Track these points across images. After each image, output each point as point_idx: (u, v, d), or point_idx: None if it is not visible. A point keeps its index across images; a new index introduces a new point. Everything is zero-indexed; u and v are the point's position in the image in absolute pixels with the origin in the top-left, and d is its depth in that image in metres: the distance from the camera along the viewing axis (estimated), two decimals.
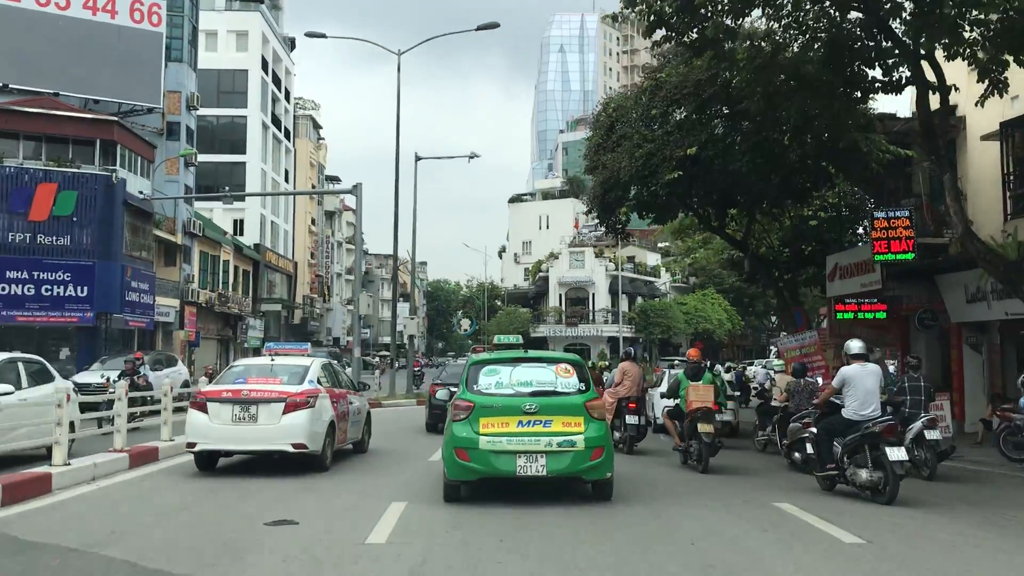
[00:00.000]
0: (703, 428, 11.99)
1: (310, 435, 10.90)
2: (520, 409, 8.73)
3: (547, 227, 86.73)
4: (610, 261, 65.31)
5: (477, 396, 8.97)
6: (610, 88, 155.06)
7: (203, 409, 10.91)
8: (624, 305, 64.62)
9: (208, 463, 11.36)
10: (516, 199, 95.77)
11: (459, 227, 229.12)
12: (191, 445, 11.02)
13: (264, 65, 57.15)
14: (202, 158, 55.22)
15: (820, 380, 17.03)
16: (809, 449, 11.03)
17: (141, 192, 32.90)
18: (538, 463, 8.59)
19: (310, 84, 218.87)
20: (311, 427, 10.92)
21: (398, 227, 29.90)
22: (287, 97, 64.18)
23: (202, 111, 54.29)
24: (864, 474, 9.44)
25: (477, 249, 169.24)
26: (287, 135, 63.38)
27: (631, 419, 14.12)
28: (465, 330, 75.07)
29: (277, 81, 61.26)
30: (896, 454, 9.23)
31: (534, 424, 8.69)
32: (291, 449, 10.79)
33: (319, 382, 11.67)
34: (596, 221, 19.51)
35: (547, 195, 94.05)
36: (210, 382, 14.09)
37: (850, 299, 19.49)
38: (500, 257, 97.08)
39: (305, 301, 66.50)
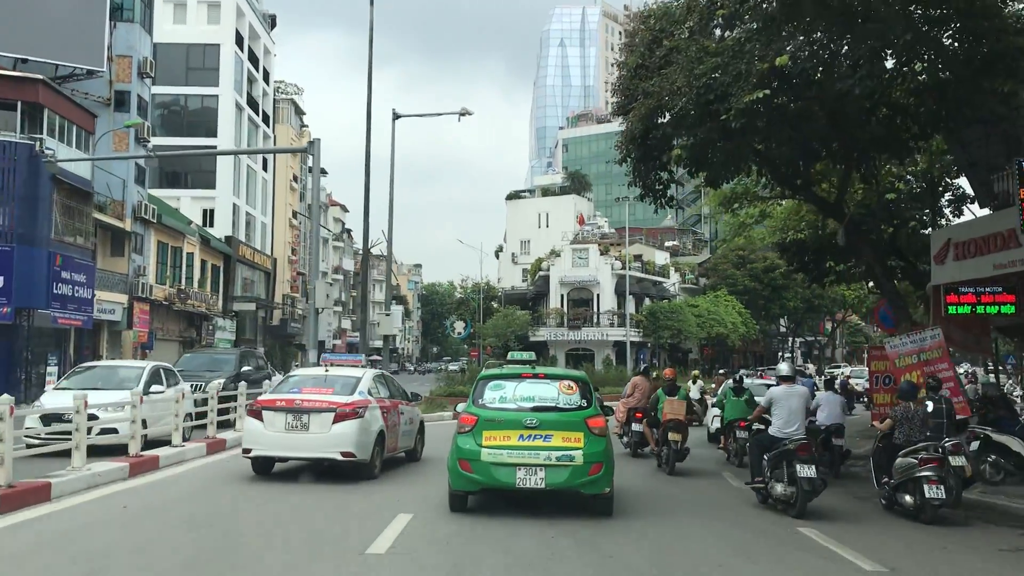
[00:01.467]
0: (672, 436, 13.52)
1: (358, 444, 11.15)
2: (521, 423, 9.01)
3: (547, 225, 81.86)
4: (616, 259, 60.23)
5: (481, 410, 9.27)
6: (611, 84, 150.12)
7: (258, 417, 11.32)
8: (631, 307, 59.58)
9: (264, 467, 11.76)
10: (514, 196, 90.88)
11: (456, 232, 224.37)
12: (247, 451, 11.44)
13: (239, 41, 51.97)
14: (170, 141, 50.27)
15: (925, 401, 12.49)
16: (927, 492, 9.77)
17: (43, 150, 27.39)
18: (537, 476, 8.84)
19: (309, 89, 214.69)
20: (360, 436, 11.19)
21: (369, 192, 24.73)
22: (266, 79, 59.01)
23: (169, 89, 49.40)
24: (780, 488, 9.98)
25: (472, 246, 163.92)
26: (266, 120, 58.20)
27: (636, 427, 15.65)
28: (459, 333, 69.75)
29: (255, 60, 56.10)
30: (805, 471, 9.66)
31: (534, 438, 8.94)
32: (340, 457, 11.09)
33: (370, 393, 11.96)
34: (630, 178, 14.22)
35: (547, 192, 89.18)
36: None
37: (966, 288, 14.44)
38: (497, 257, 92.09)
39: (285, 301, 61.33)
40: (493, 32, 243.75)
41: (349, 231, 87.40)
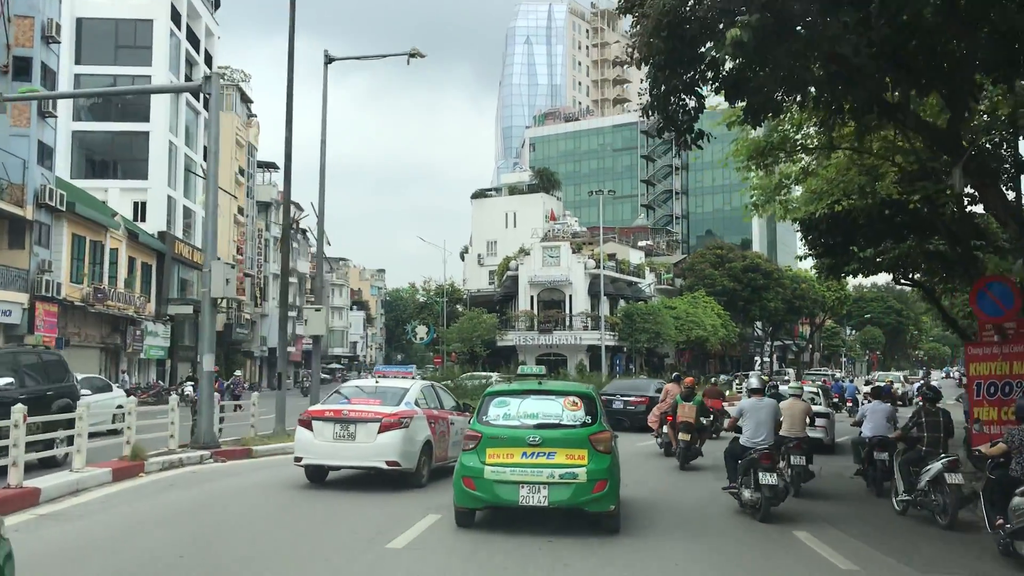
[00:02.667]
0: (682, 436, 15.53)
1: (403, 453, 11.41)
2: (524, 441, 8.87)
3: (514, 225, 77.48)
4: (590, 258, 56.14)
5: (485, 427, 9.18)
6: (579, 83, 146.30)
7: (308, 427, 11.69)
8: (605, 308, 55.55)
9: (316, 475, 12.07)
10: (480, 195, 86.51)
11: (424, 238, 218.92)
12: (298, 459, 11.81)
13: (175, 18, 47.13)
14: (96, 127, 45.47)
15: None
16: None
17: None
18: (540, 494, 8.73)
19: (267, 95, 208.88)
20: (404, 446, 11.43)
21: (291, 142, 20.22)
22: (208, 62, 54.06)
23: (97, 68, 44.52)
24: (747, 493, 10.50)
25: (434, 244, 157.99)
26: (207, 106, 53.22)
27: (666, 428, 17.14)
28: (421, 339, 65.12)
29: (195, 41, 51.24)
30: (766, 479, 10.16)
31: (537, 456, 8.83)
32: (384, 466, 11.41)
33: (417, 404, 12.18)
34: (645, 99, 9.97)
35: (514, 190, 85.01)
36: None
37: None
38: (462, 259, 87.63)
39: (231, 304, 56.26)
40: (462, 38, 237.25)
41: (304, 231, 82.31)
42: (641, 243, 74.46)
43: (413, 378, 13.90)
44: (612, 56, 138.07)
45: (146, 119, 44.67)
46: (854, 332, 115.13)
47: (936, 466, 10.31)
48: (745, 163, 13.56)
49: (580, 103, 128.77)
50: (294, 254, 76.22)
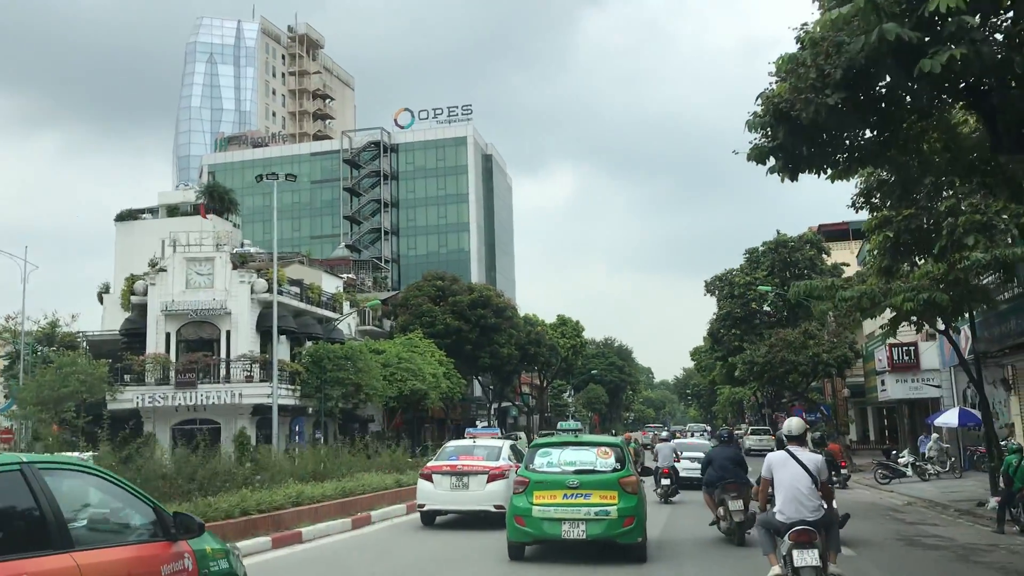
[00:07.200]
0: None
1: (507, 499, 13.32)
2: (564, 484, 11.10)
3: (175, 254, 57.61)
4: (260, 278, 38.59)
5: (532, 473, 11.52)
6: (274, 114, 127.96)
7: (429, 479, 15.48)
8: (284, 352, 38.18)
9: (430, 520, 15.82)
10: (128, 216, 65.64)
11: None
12: (420, 506, 15.71)
13: None
14: None
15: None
16: None
17: None
18: (579, 528, 10.84)
19: None
20: (507, 492, 13.81)
21: None
22: None
23: None
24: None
25: (11, 255, 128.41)
26: None
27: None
28: None
29: None
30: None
31: (576, 497, 10.97)
32: (493, 509, 14.69)
33: (509, 459, 15.93)
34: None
35: (175, 211, 65.44)
36: None
37: None
38: (101, 301, 65.08)
39: None
40: (164, 98, 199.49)
41: None
42: (342, 275, 57.90)
43: (500, 438, 18.29)
44: (313, 87, 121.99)
45: None
46: (573, 392, 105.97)
47: None
48: None
49: (275, 135, 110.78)
50: None
